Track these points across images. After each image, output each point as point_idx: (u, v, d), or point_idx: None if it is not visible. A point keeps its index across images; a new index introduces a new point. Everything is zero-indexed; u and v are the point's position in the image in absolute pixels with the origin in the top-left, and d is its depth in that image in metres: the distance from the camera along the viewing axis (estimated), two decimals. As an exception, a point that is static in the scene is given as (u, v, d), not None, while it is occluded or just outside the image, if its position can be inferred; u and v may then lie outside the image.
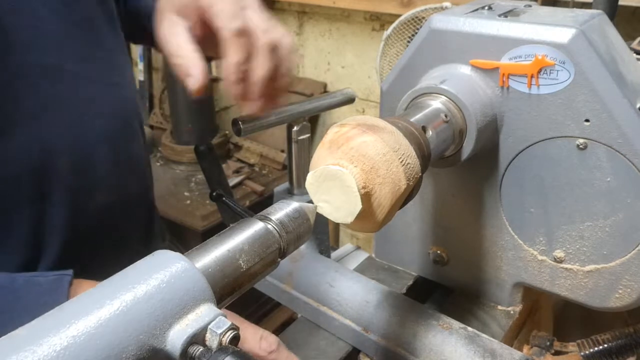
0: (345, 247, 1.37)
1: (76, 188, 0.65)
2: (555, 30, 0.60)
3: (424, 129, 0.57)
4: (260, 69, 0.57)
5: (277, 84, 0.61)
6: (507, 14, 0.68)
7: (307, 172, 0.52)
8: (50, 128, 0.63)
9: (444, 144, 0.61)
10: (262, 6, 0.61)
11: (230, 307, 0.41)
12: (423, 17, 1.79)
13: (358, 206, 0.47)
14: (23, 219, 0.62)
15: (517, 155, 0.67)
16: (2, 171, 0.60)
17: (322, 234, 0.86)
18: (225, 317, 0.36)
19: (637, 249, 0.63)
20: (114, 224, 0.74)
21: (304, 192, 0.81)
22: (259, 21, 0.58)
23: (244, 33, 0.56)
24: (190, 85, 0.58)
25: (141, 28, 0.79)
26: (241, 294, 0.43)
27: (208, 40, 0.62)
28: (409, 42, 1.84)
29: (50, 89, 0.63)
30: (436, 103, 0.62)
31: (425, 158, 0.54)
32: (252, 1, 0.60)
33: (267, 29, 0.58)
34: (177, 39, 0.61)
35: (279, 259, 0.46)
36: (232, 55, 0.55)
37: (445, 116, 0.61)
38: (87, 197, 0.67)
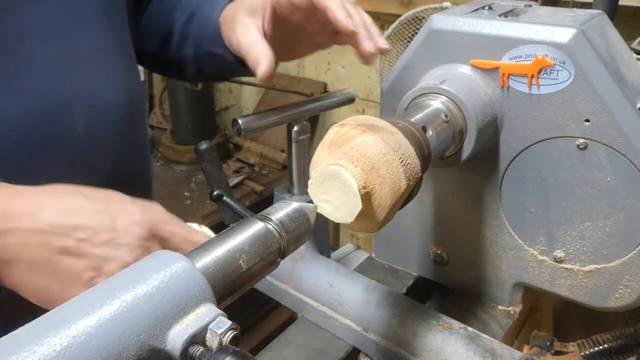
0: (345, 247, 1.37)
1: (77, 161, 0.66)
2: (556, 30, 0.60)
3: (424, 129, 0.57)
4: (355, 15, 0.62)
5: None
6: (507, 14, 0.68)
7: (307, 172, 0.52)
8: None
9: (444, 144, 0.61)
10: None
11: (231, 307, 0.41)
12: (423, 17, 1.79)
13: (358, 206, 0.47)
14: None
15: (517, 155, 0.67)
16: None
17: (322, 234, 0.86)
18: (226, 317, 0.36)
19: (637, 249, 0.63)
20: None
21: (304, 192, 0.81)
22: None
23: None
24: (258, 72, 0.63)
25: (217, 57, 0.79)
26: (241, 294, 0.43)
27: (277, 41, 0.67)
28: (409, 42, 1.83)
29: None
30: (436, 103, 0.62)
31: (426, 158, 0.54)
32: None
33: None
34: (249, 37, 0.66)
35: (279, 259, 0.46)
36: (333, 3, 0.60)
37: (446, 116, 0.61)
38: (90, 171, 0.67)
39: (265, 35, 0.67)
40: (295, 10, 0.64)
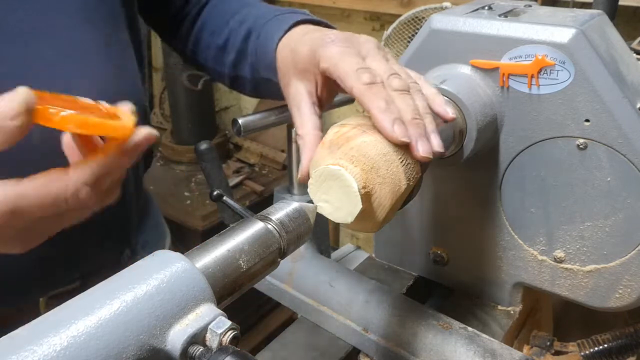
0: (345, 247, 1.37)
1: None
2: (555, 30, 0.60)
3: (424, 129, 0.57)
4: (405, 110, 0.53)
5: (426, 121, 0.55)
6: (507, 14, 0.68)
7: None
8: None
9: (444, 143, 0.61)
10: (378, 45, 0.60)
11: (231, 307, 0.41)
12: (423, 17, 1.79)
13: (358, 206, 0.47)
14: None
15: (517, 155, 0.67)
16: None
17: (322, 234, 0.86)
18: (226, 317, 0.36)
19: (637, 249, 0.63)
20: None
21: (304, 192, 0.81)
22: (382, 69, 0.56)
23: (374, 83, 0.53)
24: (299, 173, 0.58)
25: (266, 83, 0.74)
26: (241, 294, 0.43)
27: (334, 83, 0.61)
28: (409, 42, 1.84)
29: None
30: (436, 103, 0.62)
31: (426, 158, 0.54)
32: (370, 45, 0.59)
33: (390, 76, 0.55)
34: (300, 112, 0.61)
35: (279, 259, 0.46)
36: (374, 106, 0.51)
37: (446, 116, 0.61)
38: None
39: (320, 100, 0.63)
40: None
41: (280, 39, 0.68)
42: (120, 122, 0.50)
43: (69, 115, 0.45)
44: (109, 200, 0.55)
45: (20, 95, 0.44)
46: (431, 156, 0.51)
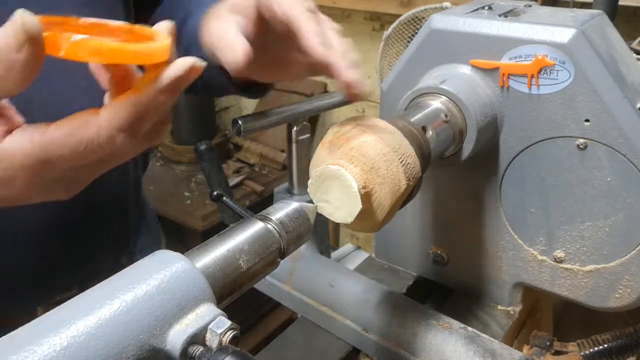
0: (345, 247, 1.37)
1: None
2: (556, 30, 0.60)
3: (424, 129, 0.57)
4: (338, 43, 0.53)
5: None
6: (507, 14, 0.68)
7: (307, 172, 0.52)
8: None
9: (444, 144, 0.61)
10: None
11: (231, 307, 0.41)
12: (423, 17, 1.79)
13: (358, 206, 0.47)
14: None
15: (517, 155, 0.67)
16: None
17: (322, 234, 0.86)
18: (226, 316, 0.36)
19: (637, 249, 0.63)
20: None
21: (304, 192, 0.81)
22: (320, 15, 0.56)
23: (313, 12, 0.53)
24: (232, 58, 0.52)
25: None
26: (241, 294, 0.43)
27: (257, 49, 0.57)
28: (409, 42, 1.84)
29: None
30: (436, 103, 0.62)
31: (425, 158, 0.55)
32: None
33: (327, 20, 0.56)
34: (224, 29, 0.55)
35: (279, 259, 0.46)
36: (309, 29, 0.51)
37: (445, 116, 0.61)
38: None
39: (249, 38, 0.57)
40: (274, 19, 0.55)
41: (205, 14, 0.64)
42: (146, 45, 0.41)
43: (79, 41, 0.37)
44: (155, 142, 0.50)
45: (17, 22, 0.35)
46: (360, 85, 0.52)
